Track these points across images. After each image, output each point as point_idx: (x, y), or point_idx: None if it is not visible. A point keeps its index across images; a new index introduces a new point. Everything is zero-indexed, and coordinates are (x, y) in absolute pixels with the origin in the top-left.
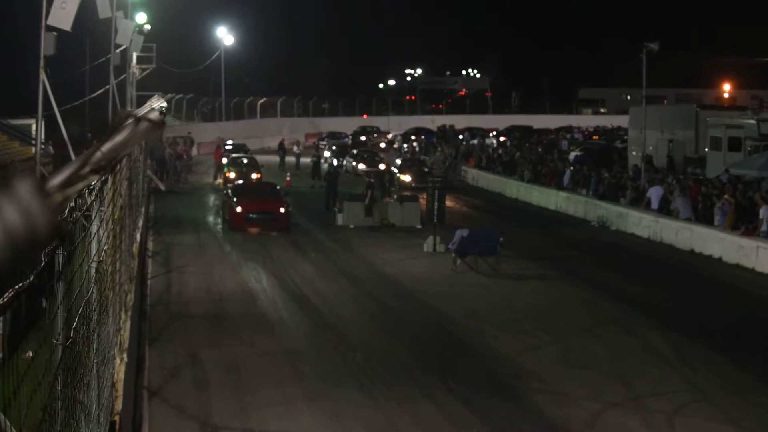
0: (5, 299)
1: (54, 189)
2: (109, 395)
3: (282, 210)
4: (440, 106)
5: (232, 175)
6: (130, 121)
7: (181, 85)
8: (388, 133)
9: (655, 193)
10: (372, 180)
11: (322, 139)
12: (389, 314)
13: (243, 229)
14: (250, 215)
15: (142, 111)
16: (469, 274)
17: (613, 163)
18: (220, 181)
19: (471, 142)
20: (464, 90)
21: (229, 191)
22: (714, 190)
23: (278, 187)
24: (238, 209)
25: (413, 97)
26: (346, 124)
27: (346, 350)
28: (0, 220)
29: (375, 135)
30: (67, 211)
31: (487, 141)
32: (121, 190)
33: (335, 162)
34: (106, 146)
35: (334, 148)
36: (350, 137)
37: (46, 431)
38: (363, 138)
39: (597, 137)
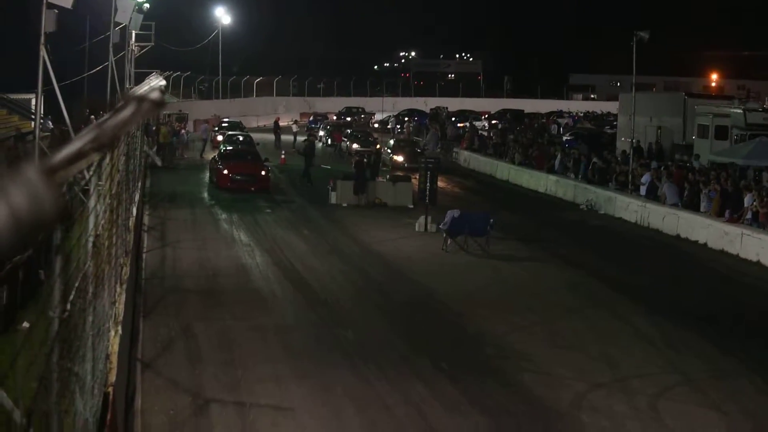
0: (3, 271)
1: (57, 168)
2: (103, 367)
3: (263, 173)
4: (420, 84)
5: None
6: (132, 100)
7: (178, 63)
8: (374, 113)
9: (644, 179)
10: (363, 159)
11: (314, 121)
12: (380, 292)
13: (228, 189)
14: (235, 176)
15: (143, 90)
16: (459, 254)
17: (603, 148)
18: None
19: (459, 125)
20: (452, 75)
21: (217, 156)
22: (701, 177)
23: (264, 158)
24: (225, 171)
25: (408, 75)
26: (341, 104)
27: (337, 327)
28: (7, 203)
29: (363, 116)
30: (66, 187)
31: (478, 124)
32: (118, 166)
33: (329, 141)
34: (108, 125)
35: (328, 127)
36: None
37: (41, 402)
38: (348, 119)
39: (588, 122)
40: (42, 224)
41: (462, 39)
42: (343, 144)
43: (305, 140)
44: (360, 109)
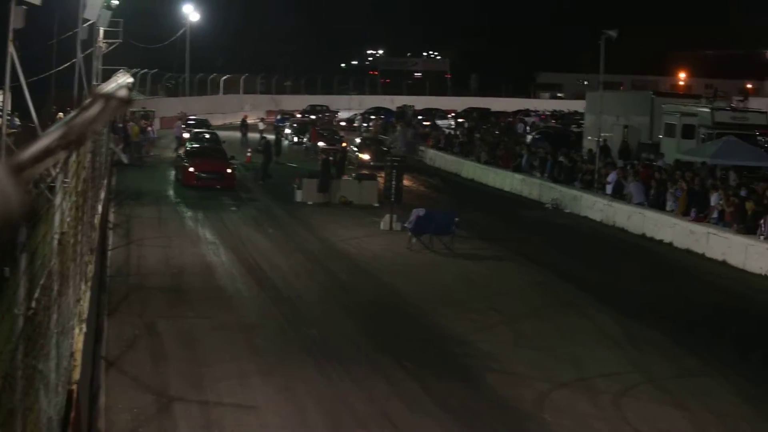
0: None
1: (25, 166)
2: (67, 365)
3: (229, 171)
4: (387, 82)
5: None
6: (99, 98)
7: (146, 60)
8: (338, 111)
9: (610, 178)
10: (329, 158)
11: (281, 119)
12: (345, 290)
13: (194, 187)
14: (201, 174)
15: (110, 88)
16: (424, 253)
17: (569, 147)
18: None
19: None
20: (419, 74)
21: (182, 154)
22: (667, 176)
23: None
24: (191, 169)
25: (376, 72)
26: (308, 102)
27: (301, 325)
28: None
29: (327, 114)
30: (32, 184)
31: (443, 122)
32: (84, 163)
33: (296, 139)
34: (76, 122)
35: (295, 125)
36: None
37: (5, 400)
38: (312, 117)
39: (555, 121)
40: (8, 222)
41: (429, 37)
42: (307, 142)
43: (261, 138)
44: (324, 107)
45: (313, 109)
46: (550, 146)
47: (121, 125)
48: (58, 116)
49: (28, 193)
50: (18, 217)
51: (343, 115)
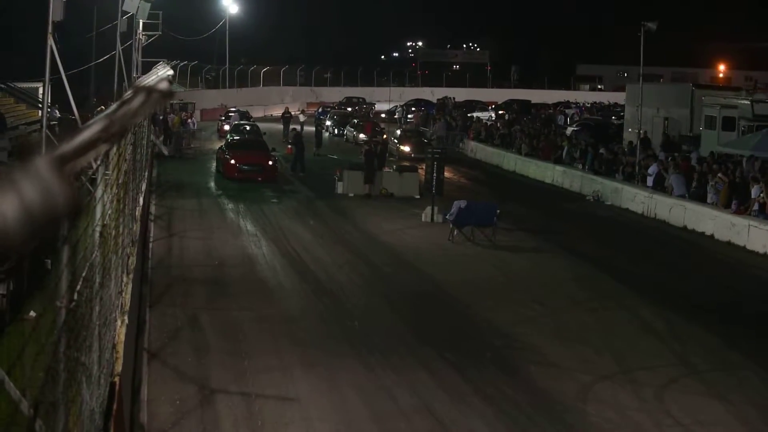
0: (10, 263)
1: (68, 159)
2: (109, 357)
3: (270, 162)
4: (426, 73)
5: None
6: (141, 91)
7: (185, 52)
8: (374, 104)
9: (651, 170)
10: (371, 148)
11: (322, 111)
12: (386, 282)
13: (236, 179)
14: (242, 166)
15: (151, 80)
16: (465, 244)
17: (610, 139)
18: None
19: (470, 115)
20: (456, 66)
21: (224, 146)
22: (709, 168)
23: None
24: (232, 161)
25: (415, 65)
26: (348, 94)
27: (343, 317)
28: (19, 198)
29: (365, 106)
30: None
31: (484, 114)
32: (125, 155)
33: (336, 131)
34: (118, 115)
35: (335, 117)
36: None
37: (48, 392)
38: (348, 109)
39: (594, 113)
40: (55, 218)
41: (470, 29)
42: (348, 133)
43: (292, 130)
44: (361, 99)
45: (349, 101)
46: (591, 138)
47: (161, 117)
48: (98, 109)
49: (72, 188)
50: (63, 212)
51: (382, 107)
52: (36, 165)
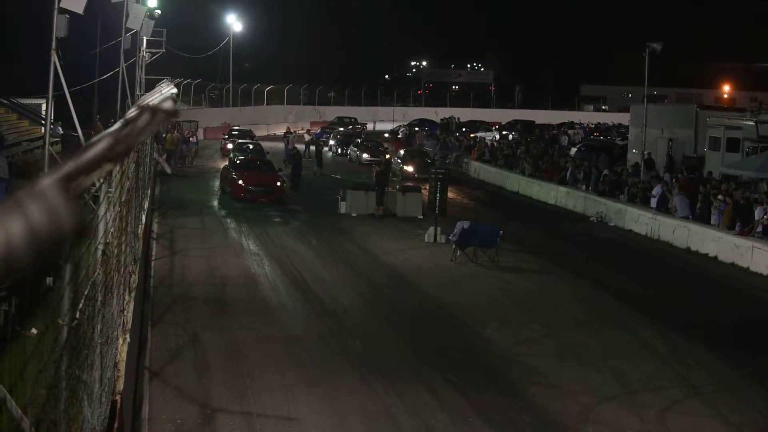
0: (10, 282)
1: (73, 178)
2: (111, 375)
3: (278, 183)
4: (427, 91)
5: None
6: (146, 110)
7: (189, 70)
8: (366, 124)
9: (655, 192)
10: (383, 169)
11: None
12: (388, 303)
13: (243, 200)
14: (250, 187)
15: (155, 99)
16: (468, 265)
17: (614, 160)
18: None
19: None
20: (456, 86)
21: (230, 166)
22: (712, 189)
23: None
24: (240, 182)
25: (419, 92)
26: (351, 114)
27: (345, 337)
28: (25, 219)
29: (358, 126)
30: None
31: (488, 135)
32: (128, 173)
33: (339, 150)
34: (123, 134)
35: (339, 136)
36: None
37: (50, 410)
38: (341, 129)
39: (598, 134)
40: (61, 239)
41: (473, 49)
42: (352, 153)
43: (292, 150)
44: (353, 119)
45: (340, 121)
46: (595, 159)
47: (164, 135)
48: (99, 126)
49: (79, 211)
50: (69, 232)
51: (385, 126)
52: (41, 184)
